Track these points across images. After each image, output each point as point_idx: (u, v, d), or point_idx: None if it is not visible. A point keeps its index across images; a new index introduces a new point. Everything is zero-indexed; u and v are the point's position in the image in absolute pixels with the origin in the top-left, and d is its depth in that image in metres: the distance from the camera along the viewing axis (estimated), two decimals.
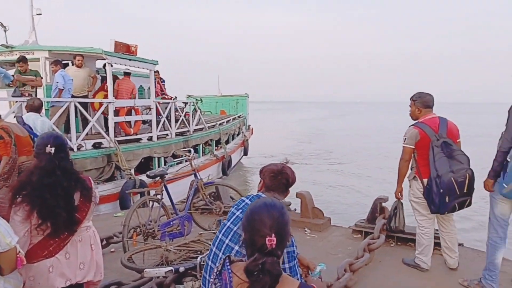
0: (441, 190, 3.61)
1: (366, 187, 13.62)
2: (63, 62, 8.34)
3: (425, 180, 3.79)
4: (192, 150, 5.64)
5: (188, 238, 4.20)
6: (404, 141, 3.90)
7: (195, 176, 5.19)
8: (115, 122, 8.52)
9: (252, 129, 20.06)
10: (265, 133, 30.65)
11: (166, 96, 11.25)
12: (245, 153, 17.64)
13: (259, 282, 1.42)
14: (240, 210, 2.20)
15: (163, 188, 4.73)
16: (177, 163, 9.15)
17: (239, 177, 15.34)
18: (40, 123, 5.40)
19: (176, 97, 11.58)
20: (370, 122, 54.89)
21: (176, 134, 10.63)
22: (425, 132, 3.77)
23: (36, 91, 7.71)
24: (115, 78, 9.25)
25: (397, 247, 4.73)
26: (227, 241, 2.14)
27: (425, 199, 3.82)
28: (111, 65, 8.55)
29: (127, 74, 9.74)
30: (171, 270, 3.23)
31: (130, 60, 9.04)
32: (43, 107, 6.56)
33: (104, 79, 9.26)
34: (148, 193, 4.96)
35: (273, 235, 1.47)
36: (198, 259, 3.16)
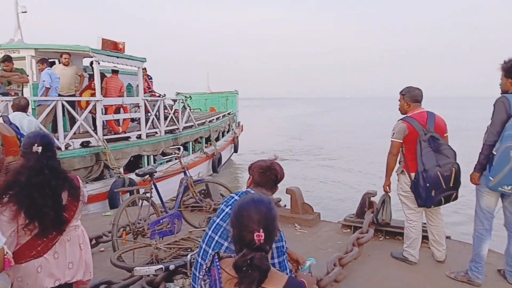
0: (428, 184, 3.66)
1: (356, 182, 13.74)
2: (50, 60, 8.22)
3: (413, 174, 3.84)
4: (182, 148, 5.62)
5: (178, 236, 4.19)
6: (393, 135, 3.94)
7: (185, 173, 5.18)
8: (103, 121, 8.45)
9: (242, 126, 20.05)
10: (255, 129, 30.68)
11: (153, 93, 11.19)
12: (235, 150, 17.63)
13: (248, 277, 1.43)
14: (230, 207, 2.20)
15: (153, 187, 4.71)
16: (167, 161, 9.12)
17: (229, 174, 15.33)
18: (27, 123, 5.33)
19: (164, 94, 11.52)
20: (357, 117, 55.24)
21: (166, 132, 10.58)
22: (413, 127, 3.81)
23: (22, 90, 7.61)
24: (102, 76, 9.16)
25: (386, 241, 4.79)
26: (216, 237, 2.15)
27: (412, 193, 3.87)
28: (98, 63, 8.46)
29: (114, 72, 9.66)
30: (161, 268, 3.23)
31: (117, 57, 8.96)
32: (30, 106, 6.48)
33: (91, 77, 9.17)
34: (138, 192, 4.94)
35: (261, 230, 1.48)
36: (188, 256, 3.16)
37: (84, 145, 7.92)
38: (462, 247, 4.51)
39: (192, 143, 12.20)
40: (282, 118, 55.71)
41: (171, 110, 11.26)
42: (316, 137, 29.33)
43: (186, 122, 12.01)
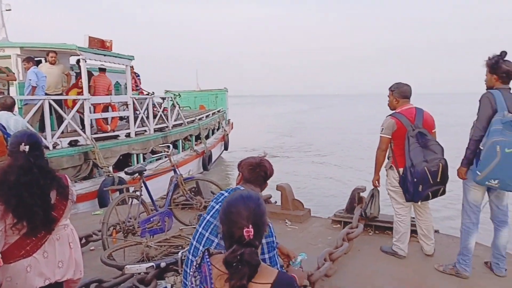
0: (415, 179, 3.70)
1: (346, 178, 13.84)
2: (36, 59, 8.12)
3: (401, 170, 3.87)
4: (171, 146, 5.60)
5: (168, 234, 4.19)
6: (381, 131, 3.97)
7: (175, 171, 5.16)
8: (91, 119, 8.38)
9: (232, 124, 20.03)
10: (245, 127, 30.69)
11: (141, 91, 11.13)
12: (226, 148, 17.62)
13: (238, 272, 1.44)
14: (220, 204, 2.21)
15: (142, 185, 4.69)
16: (156, 159, 9.07)
17: (220, 171, 15.33)
18: (13, 122, 5.26)
19: (153, 92, 11.46)
20: (346, 114, 55.58)
21: (155, 130, 10.53)
22: (402, 123, 3.84)
23: (8, 89, 7.50)
24: (89, 74, 9.07)
25: (375, 236, 4.83)
26: (207, 234, 2.16)
27: (401, 187, 3.91)
28: (85, 61, 8.37)
29: (102, 70, 9.57)
30: (152, 266, 3.22)
31: (105, 55, 8.88)
32: (16, 105, 6.40)
33: (78, 76, 9.07)
34: (127, 190, 4.91)
35: (250, 226, 1.48)
36: (179, 254, 3.15)
37: (72, 144, 7.85)
38: (450, 241, 4.57)
39: (182, 141, 12.16)
40: (273, 115, 55.78)
41: (160, 108, 11.21)
42: (307, 134, 29.45)
43: (175, 120, 11.95)
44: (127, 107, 9.66)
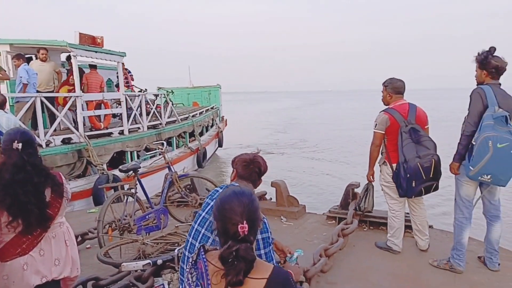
0: (408, 175, 3.73)
1: (341, 173, 13.90)
2: (26, 56, 8.04)
3: (395, 165, 3.90)
4: (165, 143, 5.58)
5: (164, 231, 4.19)
6: (375, 127, 3.99)
7: (169, 169, 5.15)
8: (84, 117, 8.32)
9: (226, 120, 20.00)
10: (239, 123, 30.68)
11: (132, 89, 11.06)
12: (220, 145, 17.61)
13: (234, 268, 1.45)
14: (214, 200, 2.21)
15: (137, 182, 4.68)
16: (151, 157, 9.04)
17: (215, 168, 15.33)
18: (5, 120, 5.22)
19: (146, 89, 11.40)
20: (340, 110, 55.73)
21: (148, 127, 10.49)
22: (395, 118, 3.86)
23: None
24: (81, 71, 9.00)
25: (370, 231, 4.87)
26: (203, 230, 2.17)
27: (394, 183, 3.94)
28: (76, 57, 8.29)
29: (93, 67, 9.50)
30: (149, 263, 3.22)
31: (96, 52, 8.79)
32: (8, 103, 6.34)
33: (68, 73, 8.99)
34: (122, 188, 4.89)
35: (244, 222, 1.49)
36: (176, 251, 3.15)
37: (66, 142, 7.79)
38: (444, 236, 4.60)
39: (176, 138, 12.13)
40: (267, 112, 55.79)
41: (153, 105, 11.16)
42: (301, 130, 29.50)
43: (169, 117, 11.91)
44: (120, 104, 9.61)
